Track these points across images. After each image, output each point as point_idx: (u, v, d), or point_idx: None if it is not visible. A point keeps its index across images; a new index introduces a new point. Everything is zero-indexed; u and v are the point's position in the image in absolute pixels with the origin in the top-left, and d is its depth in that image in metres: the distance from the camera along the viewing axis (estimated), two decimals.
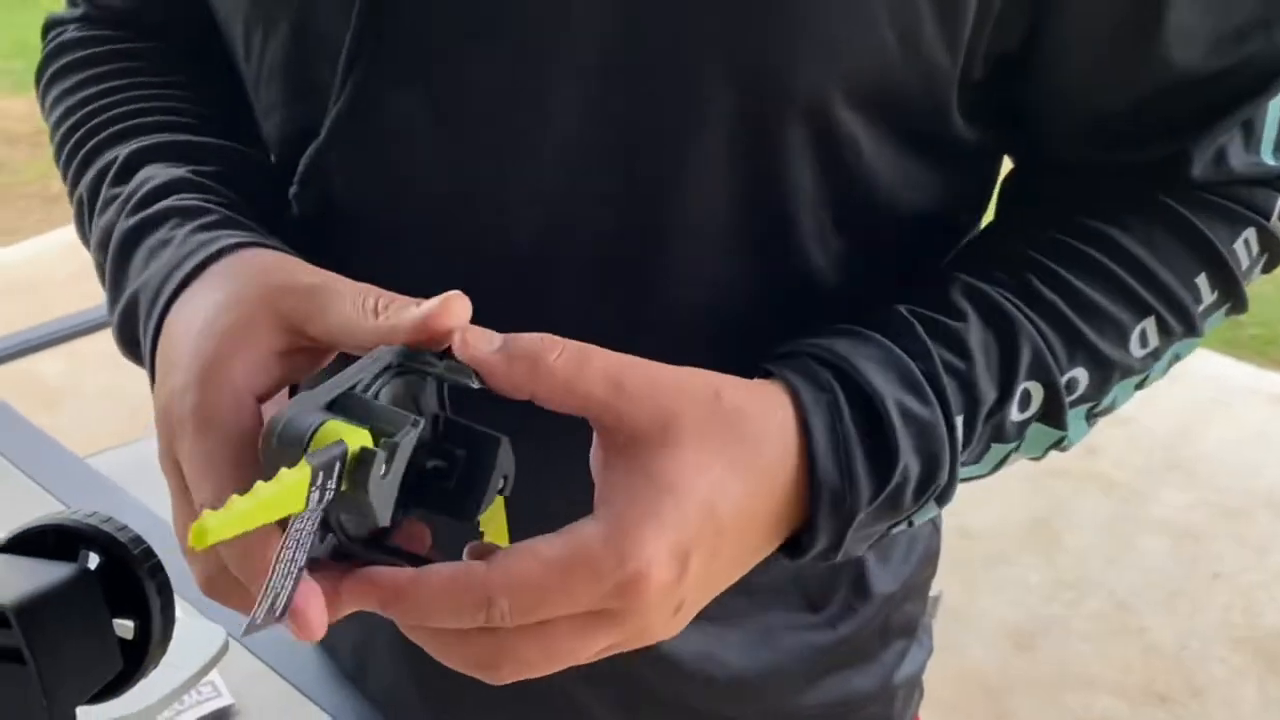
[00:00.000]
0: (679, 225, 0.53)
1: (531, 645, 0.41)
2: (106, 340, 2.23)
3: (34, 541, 0.46)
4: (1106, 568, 2.32)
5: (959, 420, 0.48)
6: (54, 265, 3.20)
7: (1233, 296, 0.55)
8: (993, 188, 0.61)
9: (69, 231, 3.38)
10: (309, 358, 0.46)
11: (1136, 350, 0.53)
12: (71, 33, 0.67)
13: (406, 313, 0.42)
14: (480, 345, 0.41)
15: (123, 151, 0.58)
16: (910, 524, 0.50)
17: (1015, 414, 0.50)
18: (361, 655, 0.76)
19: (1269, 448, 2.68)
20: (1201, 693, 2.07)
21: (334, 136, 0.54)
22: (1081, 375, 0.52)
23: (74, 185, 0.61)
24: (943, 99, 0.52)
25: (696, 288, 0.55)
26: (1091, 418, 0.54)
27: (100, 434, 2.19)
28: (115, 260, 0.54)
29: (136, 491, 0.99)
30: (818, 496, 0.45)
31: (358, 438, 0.37)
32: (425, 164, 0.54)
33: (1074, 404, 0.52)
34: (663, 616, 0.43)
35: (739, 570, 0.46)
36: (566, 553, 0.40)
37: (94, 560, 0.46)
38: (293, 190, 0.57)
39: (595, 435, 0.44)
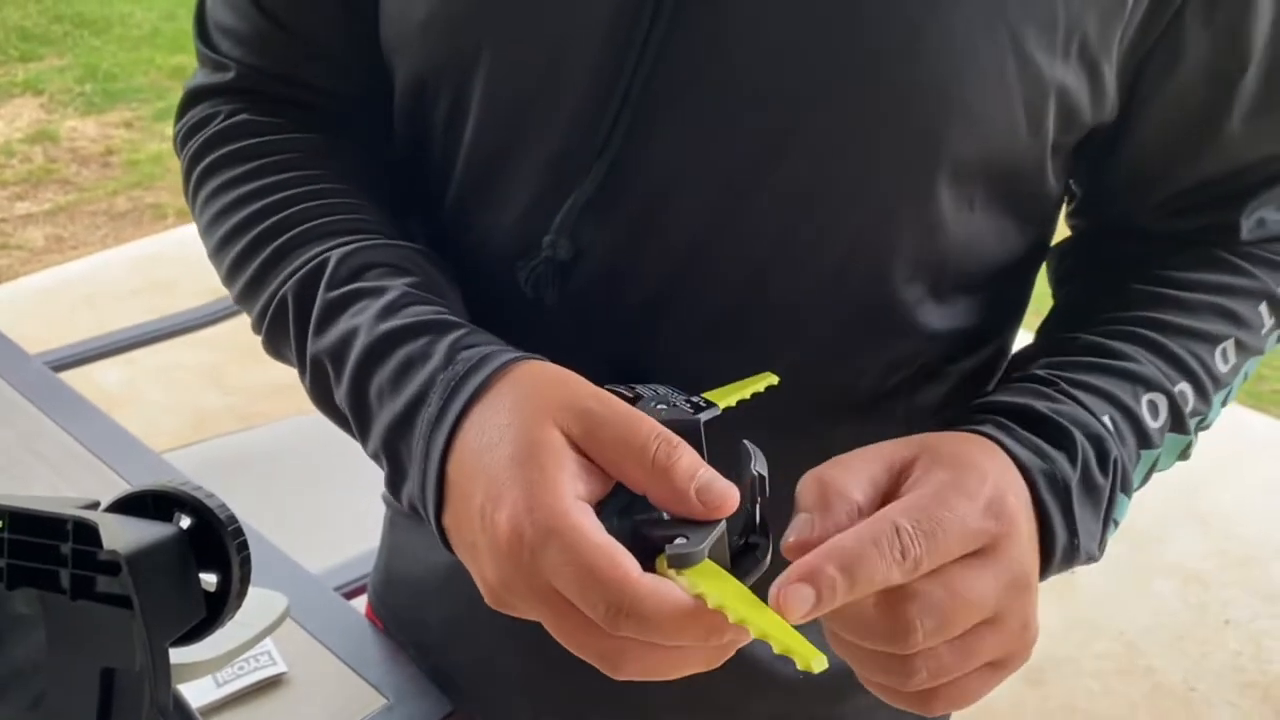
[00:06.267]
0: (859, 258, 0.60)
1: (938, 589, 0.46)
2: (164, 353, 2.30)
3: (136, 504, 0.53)
4: (1119, 610, 2.34)
5: (1105, 418, 0.57)
6: (118, 280, 3.30)
7: None
8: (1050, 241, 0.71)
9: (134, 248, 3.52)
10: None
11: (1221, 366, 0.63)
12: (223, 122, 0.66)
13: (694, 484, 0.46)
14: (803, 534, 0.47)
15: (332, 254, 0.59)
16: (1116, 523, 0.57)
17: (1151, 424, 0.59)
18: (453, 629, 0.80)
19: None
20: None
21: (597, 189, 0.58)
22: (1187, 389, 0.61)
23: (258, 281, 0.62)
24: (1044, 165, 0.61)
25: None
26: (1200, 430, 0.64)
27: (158, 440, 2.28)
28: (361, 364, 0.55)
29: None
30: (1035, 484, 0.52)
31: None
32: (670, 222, 0.59)
33: (1190, 415, 0.61)
34: (1029, 555, 0.50)
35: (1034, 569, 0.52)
36: (935, 486, 0.47)
37: (186, 522, 0.52)
38: (547, 239, 0.59)
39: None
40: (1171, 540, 2.54)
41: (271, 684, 0.83)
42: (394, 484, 0.55)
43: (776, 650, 0.42)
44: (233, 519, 0.55)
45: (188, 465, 1.54)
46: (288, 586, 0.92)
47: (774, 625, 0.42)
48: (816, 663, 0.41)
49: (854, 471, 0.49)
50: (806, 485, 0.48)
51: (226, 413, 2.76)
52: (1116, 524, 0.57)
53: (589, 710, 0.74)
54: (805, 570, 0.44)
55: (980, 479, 0.49)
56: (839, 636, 0.49)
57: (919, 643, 0.46)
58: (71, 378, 1.52)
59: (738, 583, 0.45)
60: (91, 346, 1.76)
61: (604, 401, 0.48)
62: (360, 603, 0.94)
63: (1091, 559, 0.55)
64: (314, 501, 1.51)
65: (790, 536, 0.46)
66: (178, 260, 3.34)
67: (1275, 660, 2.25)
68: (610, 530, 0.45)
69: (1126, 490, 0.57)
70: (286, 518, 1.40)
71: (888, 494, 0.49)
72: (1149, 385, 0.59)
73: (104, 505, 0.54)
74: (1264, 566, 2.48)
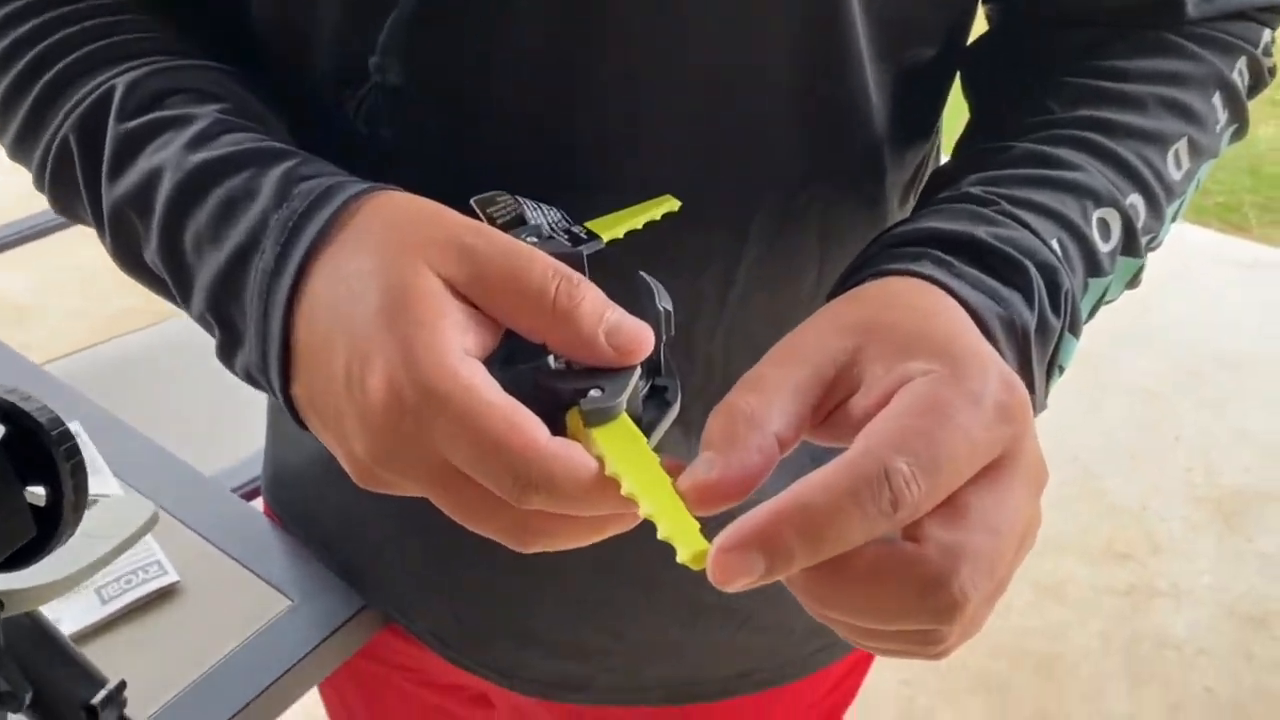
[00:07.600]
0: (757, 60, 0.52)
1: (979, 535, 0.35)
2: (73, 254, 2.18)
3: None
4: (1071, 435, 2.35)
5: (1054, 242, 0.48)
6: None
7: (1239, 118, 0.58)
8: (967, 37, 0.62)
9: None
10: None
11: (1174, 173, 0.54)
12: None
13: (606, 327, 0.39)
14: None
15: (119, 81, 0.49)
16: (1061, 369, 0.48)
17: (1102, 246, 0.51)
18: (347, 519, 0.74)
19: (1227, 310, 2.71)
20: (1161, 549, 2.12)
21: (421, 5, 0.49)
22: (1139, 201, 0.52)
23: (33, 124, 0.52)
24: None
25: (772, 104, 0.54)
26: (1150, 250, 0.55)
27: (68, 347, 2.19)
28: (170, 210, 0.46)
29: (96, 392, 0.99)
30: (991, 334, 0.43)
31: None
32: (516, 31, 0.50)
33: (1142, 233, 0.53)
34: (1037, 448, 0.39)
35: None
36: (927, 397, 0.36)
37: (0, 431, 0.45)
38: (374, 61, 0.50)
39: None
40: (1119, 359, 2.54)
41: (164, 596, 0.76)
42: (227, 351, 0.46)
43: (660, 535, 0.35)
44: (56, 422, 0.48)
45: (82, 370, 1.46)
46: (176, 489, 0.85)
47: (666, 504, 0.36)
48: (695, 560, 0.34)
49: (771, 391, 0.38)
50: (712, 418, 0.38)
51: (143, 313, 2.64)
52: (1062, 370, 0.49)
53: (500, 588, 0.68)
54: (753, 533, 0.34)
55: (981, 368, 0.37)
56: (828, 616, 0.37)
57: (970, 611, 0.35)
58: None
59: (646, 446, 0.38)
60: None
61: (485, 236, 0.40)
62: (261, 503, 0.87)
63: (1038, 411, 0.46)
64: (219, 398, 1.42)
65: (683, 482, 0.36)
66: None
67: (1225, 472, 2.28)
68: (503, 386, 0.38)
69: (1075, 331, 0.48)
70: (188, 417, 1.32)
71: (826, 406, 0.39)
72: (1099, 199, 0.50)
73: None
74: (1210, 378, 2.50)
